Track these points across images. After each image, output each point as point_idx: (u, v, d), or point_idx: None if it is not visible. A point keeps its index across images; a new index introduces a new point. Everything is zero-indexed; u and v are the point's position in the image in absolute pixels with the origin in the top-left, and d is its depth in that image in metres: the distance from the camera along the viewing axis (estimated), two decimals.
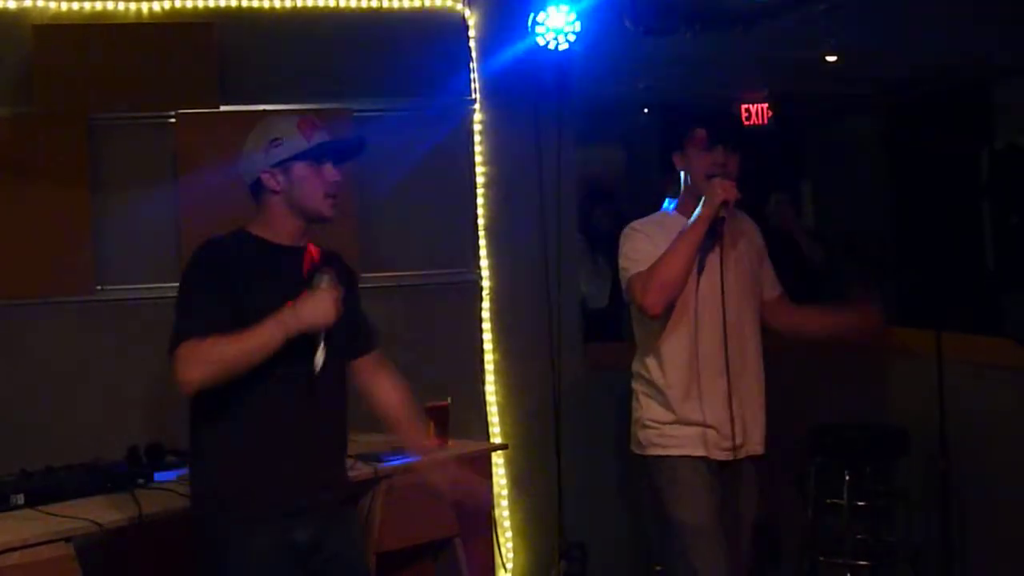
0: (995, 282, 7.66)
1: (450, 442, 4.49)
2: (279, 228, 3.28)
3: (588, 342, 5.61)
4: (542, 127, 5.40)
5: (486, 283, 5.34)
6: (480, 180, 5.34)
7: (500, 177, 5.37)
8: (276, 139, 3.26)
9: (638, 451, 3.86)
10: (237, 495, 3.15)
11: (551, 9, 5.06)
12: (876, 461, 5.37)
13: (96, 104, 4.87)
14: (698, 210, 3.65)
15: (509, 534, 5.34)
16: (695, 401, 3.72)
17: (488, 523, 4.93)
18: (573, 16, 5.09)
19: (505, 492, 5.33)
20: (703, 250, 3.69)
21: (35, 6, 4.84)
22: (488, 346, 5.34)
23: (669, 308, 3.67)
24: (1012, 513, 5.01)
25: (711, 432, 3.72)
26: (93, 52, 4.85)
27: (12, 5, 4.82)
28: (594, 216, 6.80)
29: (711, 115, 3.94)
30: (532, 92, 5.38)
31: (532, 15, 5.11)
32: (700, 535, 3.67)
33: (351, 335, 3.38)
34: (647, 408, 3.82)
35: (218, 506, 3.18)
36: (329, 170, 3.28)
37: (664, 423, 3.76)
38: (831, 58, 7.12)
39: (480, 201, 5.34)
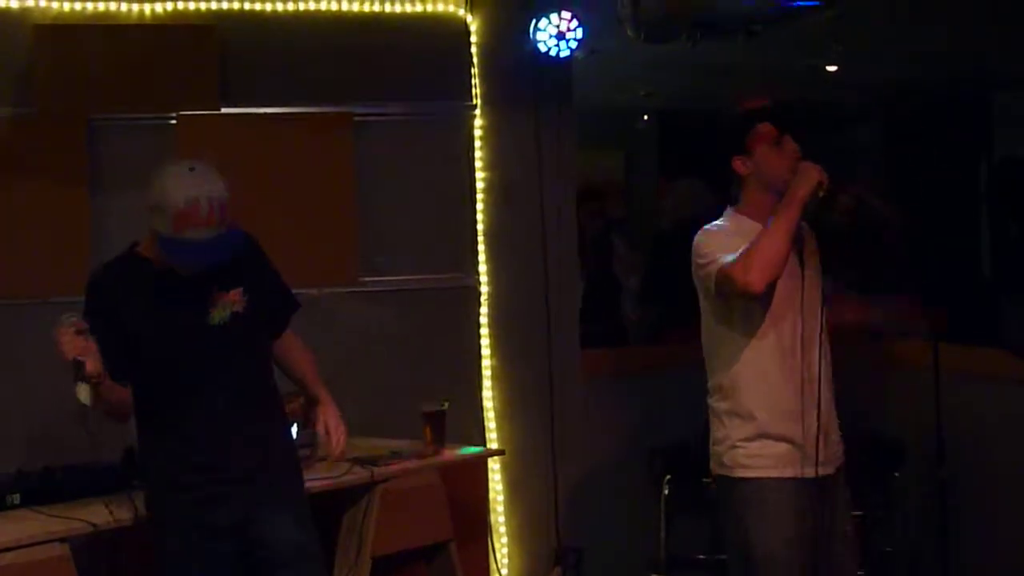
0: (993, 292, 7.66)
1: (447, 447, 4.49)
2: (161, 256, 3.36)
3: (586, 348, 5.60)
4: (543, 133, 5.40)
5: (485, 288, 5.34)
6: (480, 185, 5.34)
7: (500, 182, 5.37)
8: (156, 203, 3.23)
9: (722, 472, 3.59)
10: (162, 485, 3.42)
11: (553, 15, 5.07)
12: (873, 471, 5.36)
13: (97, 105, 4.86)
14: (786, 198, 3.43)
15: (505, 539, 5.34)
16: (786, 416, 3.50)
17: (484, 527, 4.92)
18: (575, 22, 5.09)
19: (501, 497, 5.33)
20: (793, 260, 3.49)
21: (36, 6, 4.83)
22: (486, 351, 5.34)
23: (760, 321, 3.49)
24: (1009, 524, 5.01)
25: (802, 448, 3.50)
26: (94, 53, 4.85)
27: (14, 5, 4.81)
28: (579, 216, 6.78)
29: (768, 107, 3.68)
30: (533, 98, 5.38)
31: (534, 21, 5.11)
32: (776, 563, 3.47)
33: (263, 320, 3.53)
34: (732, 427, 3.56)
35: (152, 496, 3.47)
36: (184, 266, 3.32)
37: (751, 440, 3.52)
38: (831, 67, 7.14)
39: (480, 206, 5.34)
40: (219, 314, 3.38)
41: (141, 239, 3.47)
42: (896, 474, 5.37)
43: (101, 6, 4.91)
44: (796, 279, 3.51)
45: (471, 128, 5.33)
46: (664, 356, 5.63)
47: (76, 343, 3.15)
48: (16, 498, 3.57)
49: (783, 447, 3.50)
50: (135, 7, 4.93)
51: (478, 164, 5.33)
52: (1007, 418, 5.05)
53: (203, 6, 5.00)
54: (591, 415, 5.48)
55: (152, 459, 3.46)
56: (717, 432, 3.62)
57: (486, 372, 5.34)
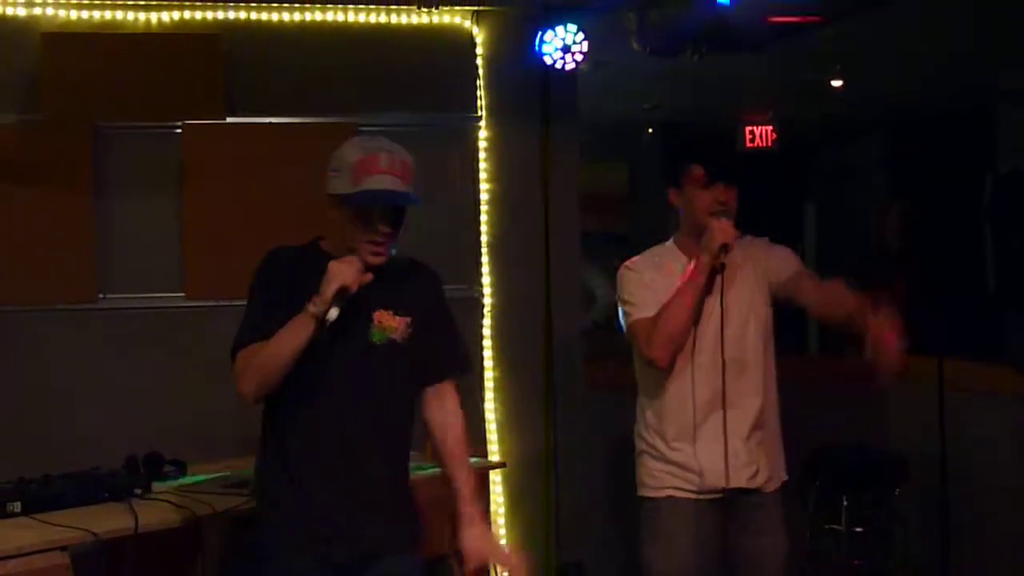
0: (997, 307, 7.64)
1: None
2: (343, 250, 3.14)
3: (587, 360, 5.60)
4: (547, 145, 5.41)
5: (487, 300, 5.34)
6: (484, 197, 5.34)
7: (504, 194, 5.37)
8: (334, 169, 3.11)
9: (639, 492, 3.76)
10: (279, 506, 3.16)
11: (558, 28, 5.08)
12: (875, 486, 5.36)
13: (102, 113, 4.88)
14: (694, 263, 3.59)
15: None
16: (688, 444, 3.63)
17: None
18: (580, 35, 5.10)
19: (502, 510, 5.32)
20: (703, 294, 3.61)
21: (44, 14, 4.85)
22: (488, 363, 5.33)
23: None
24: (1011, 541, 5.00)
25: (703, 476, 3.61)
26: (101, 61, 4.86)
27: (21, 12, 4.83)
28: None
29: (707, 149, 3.79)
30: (538, 110, 5.39)
31: (539, 33, 5.12)
32: None
33: (418, 360, 3.24)
34: (640, 448, 3.75)
35: (265, 510, 3.22)
36: (378, 217, 3.07)
37: (655, 461, 3.69)
38: (836, 82, 7.14)
39: (483, 218, 5.34)
40: (378, 334, 3.14)
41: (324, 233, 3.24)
42: (898, 490, 5.37)
43: (108, 15, 4.93)
44: (715, 318, 3.60)
45: (476, 140, 5.34)
46: None
47: (358, 277, 3.01)
48: (17, 506, 3.54)
49: (683, 472, 3.63)
50: (141, 16, 4.95)
51: (482, 176, 5.34)
52: (1010, 434, 5.04)
53: (209, 16, 5.01)
54: (592, 428, 5.47)
55: (271, 470, 3.20)
56: (636, 450, 3.79)
57: (488, 384, 5.34)
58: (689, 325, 3.57)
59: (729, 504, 3.64)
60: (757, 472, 3.66)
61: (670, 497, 3.65)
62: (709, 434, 3.61)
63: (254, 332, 3.09)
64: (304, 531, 3.12)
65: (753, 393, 3.69)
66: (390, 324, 3.17)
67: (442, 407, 3.33)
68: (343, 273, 3.00)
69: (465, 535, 3.27)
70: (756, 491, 3.66)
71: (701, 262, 3.56)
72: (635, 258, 3.79)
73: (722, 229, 3.55)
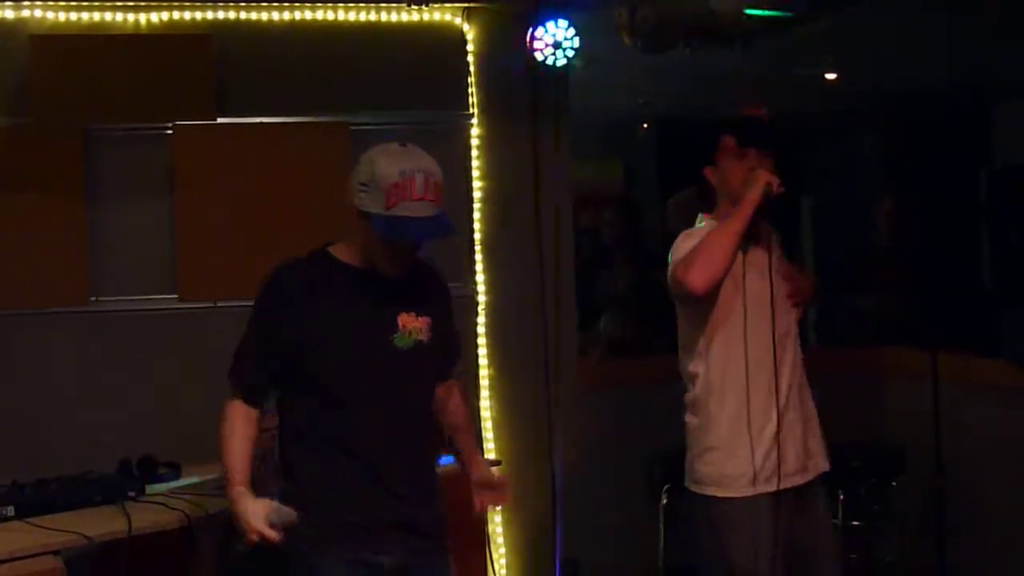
0: (993, 301, 7.64)
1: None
2: (360, 257, 3.17)
3: (583, 357, 5.60)
4: (539, 142, 5.40)
5: (482, 298, 5.33)
6: (477, 195, 5.33)
7: (497, 192, 5.36)
8: (364, 184, 3.04)
9: (695, 488, 3.61)
10: (312, 514, 3.10)
11: (549, 24, 5.06)
12: (871, 481, 5.35)
13: (93, 115, 4.86)
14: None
15: (503, 550, 5.32)
16: (745, 428, 3.49)
17: (482, 538, 4.90)
18: (572, 31, 5.09)
19: (499, 508, 5.31)
20: (748, 248, 3.49)
21: (32, 16, 4.84)
22: (483, 361, 5.32)
23: (717, 325, 3.49)
24: (1007, 534, 5.00)
25: (765, 462, 3.51)
26: (90, 63, 4.85)
27: (10, 15, 4.81)
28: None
29: (736, 120, 3.72)
30: (530, 107, 5.37)
31: (530, 30, 5.10)
32: None
33: (439, 356, 3.32)
34: (699, 440, 3.59)
35: (305, 524, 3.13)
36: (408, 243, 3.11)
37: (718, 458, 3.54)
38: (830, 76, 7.14)
39: (477, 216, 5.33)
40: (405, 338, 3.15)
41: (336, 240, 3.24)
42: (894, 483, 5.36)
43: (97, 16, 4.91)
44: (764, 276, 3.51)
45: (468, 138, 5.33)
46: (662, 366, 5.60)
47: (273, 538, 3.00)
48: (10, 510, 3.54)
49: (745, 463, 3.50)
50: (131, 17, 4.94)
51: (475, 174, 5.33)
52: (1005, 427, 5.04)
53: (199, 16, 5.00)
54: (589, 425, 5.46)
55: (312, 482, 3.17)
56: (689, 444, 3.65)
57: (483, 382, 5.33)
58: (730, 255, 3.41)
59: (792, 495, 3.56)
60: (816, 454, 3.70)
61: (741, 497, 3.51)
62: (767, 421, 3.52)
63: (244, 378, 3.17)
64: (353, 538, 3.12)
65: (801, 367, 3.66)
66: (414, 326, 3.18)
67: (452, 400, 3.49)
68: (242, 529, 3.02)
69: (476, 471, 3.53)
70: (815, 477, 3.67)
71: (746, 198, 3.45)
72: (690, 230, 3.64)
73: (764, 174, 3.47)
